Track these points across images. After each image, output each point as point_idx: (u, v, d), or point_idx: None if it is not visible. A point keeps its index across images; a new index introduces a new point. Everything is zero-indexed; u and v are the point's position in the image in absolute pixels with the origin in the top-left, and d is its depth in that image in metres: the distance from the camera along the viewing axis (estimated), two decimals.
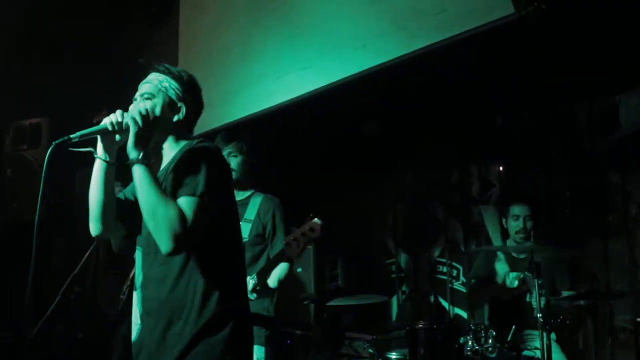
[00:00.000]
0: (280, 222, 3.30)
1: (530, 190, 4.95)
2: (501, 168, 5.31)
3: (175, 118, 2.21)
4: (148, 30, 6.15)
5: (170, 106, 2.21)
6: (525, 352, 3.42)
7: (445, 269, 5.60)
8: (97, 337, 4.86)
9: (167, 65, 2.29)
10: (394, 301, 5.96)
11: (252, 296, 2.95)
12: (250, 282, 2.96)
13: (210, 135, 4.79)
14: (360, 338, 4.61)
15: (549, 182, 4.93)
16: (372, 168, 5.83)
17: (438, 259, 5.71)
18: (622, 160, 4.48)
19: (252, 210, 3.29)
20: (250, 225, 3.24)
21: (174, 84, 2.22)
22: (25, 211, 5.72)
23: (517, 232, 4.07)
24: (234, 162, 3.29)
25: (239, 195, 3.31)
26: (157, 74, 2.25)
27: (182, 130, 2.25)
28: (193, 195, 1.97)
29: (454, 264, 5.57)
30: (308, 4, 4.28)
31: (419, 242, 5.84)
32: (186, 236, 1.93)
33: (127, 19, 6.03)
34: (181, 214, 1.93)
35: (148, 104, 2.17)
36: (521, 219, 4.06)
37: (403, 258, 5.96)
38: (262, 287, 3.00)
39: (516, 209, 4.10)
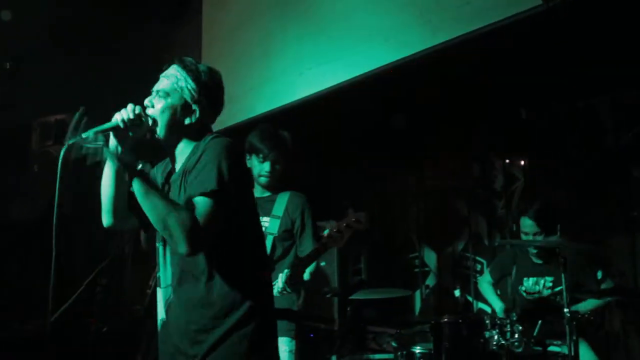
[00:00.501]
0: (309, 218, 3.30)
1: (554, 183, 4.89)
2: (525, 162, 5.25)
3: (187, 121, 2.16)
4: (171, 28, 6.19)
5: (183, 108, 2.15)
6: (552, 348, 3.38)
7: (469, 263, 5.57)
8: (122, 331, 4.93)
9: (190, 61, 2.22)
10: (417, 296, 5.94)
11: (277, 290, 2.96)
12: (280, 277, 2.98)
13: (237, 129, 4.85)
14: (384, 332, 4.62)
15: (573, 176, 4.86)
16: (395, 162, 5.82)
17: (462, 253, 5.67)
18: None
19: (280, 206, 3.28)
20: (278, 221, 3.24)
21: (190, 84, 2.15)
22: (50, 207, 5.82)
23: (525, 234, 3.97)
24: (269, 167, 3.26)
25: (266, 192, 3.32)
26: (177, 69, 2.18)
27: (196, 131, 2.18)
28: (205, 193, 1.94)
29: (477, 258, 5.54)
30: None
31: (442, 236, 5.82)
32: (201, 236, 1.92)
33: (151, 17, 6.07)
34: (192, 216, 1.91)
35: (160, 106, 2.13)
36: (530, 237, 3.94)
37: (426, 252, 5.94)
38: (294, 281, 3.01)
39: (526, 224, 3.90)
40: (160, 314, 2.27)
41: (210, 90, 2.21)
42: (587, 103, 4.72)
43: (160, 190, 2.06)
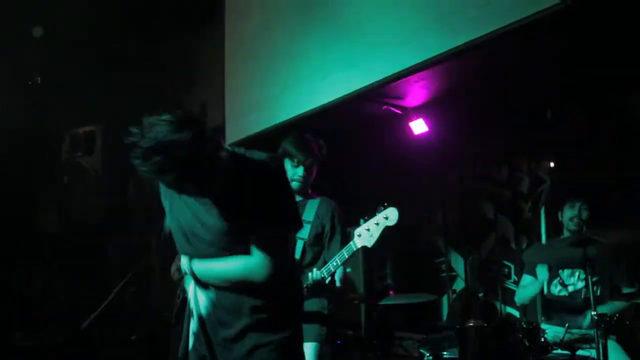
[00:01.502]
0: (339, 223, 3.32)
1: (582, 185, 4.82)
2: (552, 163, 5.18)
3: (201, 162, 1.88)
4: (195, 38, 6.28)
5: (187, 166, 1.84)
6: (580, 352, 3.33)
7: (496, 267, 5.51)
8: (150, 339, 4.99)
9: (139, 145, 1.83)
10: (445, 301, 5.90)
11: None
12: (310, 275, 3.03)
13: (261, 137, 4.88)
14: (411, 337, 4.59)
15: (601, 176, 4.79)
16: (421, 166, 5.79)
17: (489, 257, 5.62)
18: None
19: (311, 211, 3.30)
20: (309, 226, 3.26)
21: (163, 154, 1.80)
22: (81, 216, 5.93)
23: (571, 219, 4.01)
24: (302, 172, 3.28)
25: (297, 197, 3.34)
26: (142, 162, 1.83)
27: (212, 159, 1.93)
28: (268, 232, 1.99)
29: (504, 262, 5.48)
30: (352, 3, 4.28)
31: (469, 240, 5.77)
32: (277, 273, 1.99)
33: (174, 27, 6.17)
34: (260, 262, 1.99)
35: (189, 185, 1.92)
36: (576, 208, 4.00)
37: (453, 257, 5.89)
38: (324, 285, 3.05)
39: (572, 201, 4.09)
40: (193, 327, 2.27)
41: (179, 129, 1.83)
42: (614, 101, 4.65)
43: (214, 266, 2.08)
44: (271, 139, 3.48)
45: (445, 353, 3.66)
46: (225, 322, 2.11)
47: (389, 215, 2.94)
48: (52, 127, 6.07)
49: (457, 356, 3.56)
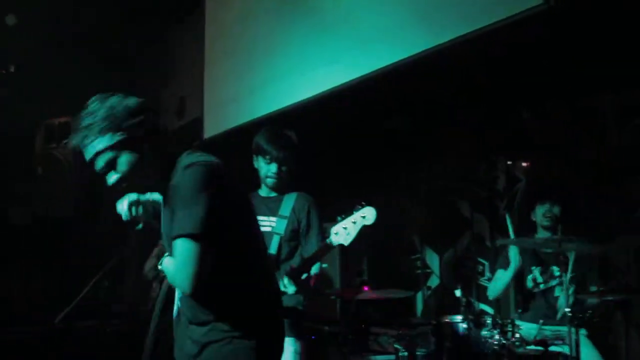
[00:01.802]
0: (316, 219, 3.31)
1: (556, 185, 4.89)
2: (527, 162, 5.25)
3: (143, 163, 2.00)
4: (174, 28, 6.22)
5: (128, 156, 1.97)
6: (553, 348, 3.39)
7: (471, 265, 5.57)
8: (125, 332, 4.95)
9: (85, 119, 1.97)
10: (419, 297, 5.94)
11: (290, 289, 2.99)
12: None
13: (239, 131, 4.85)
14: (386, 333, 4.62)
15: (576, 176, 4.87)
16: (397, 163, 5.82)
17: (464, 255, 5.67)
18: None
19: (287, 206, 3.29)
20: (285, 221, 3.25)
21: (106, 135, 1.94)
22: (55, 208, 5.84)
23: (544, 216, 4.05)
24: (275, 168, 3.26)
25: (272, 193, 3.33)
26: (81, 138, 1.98)
27: (162, 159, 2.05)
28: (183, 235, 1.85)
29: (479, 259, 5.53)
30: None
31: (444, 237, 5.81)
32: (192, 287, 1.88)
33: (154, 18, 6.10)
34: (173, 272, 1.92)
35: (116, 177, 2.00)
36: (548, 204, 4.05)
37: (428, 253, 5.94)
38: (297, 283, 3.03)
39: (544, 201, 4.13)
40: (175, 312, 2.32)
41: (128, 115, 1.98)
42: (591, 102, 4.73)
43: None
44: (251, 133, 3.44)
45: (419, 349, 3.69)
46: (189, 318, 2.15)
47: (367, 215, 2.94)
48: (25, 118, 5.96)
49: (430, 352, 3.60)
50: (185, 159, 2.00)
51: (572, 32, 3.30)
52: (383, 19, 3.74)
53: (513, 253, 4.08)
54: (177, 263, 1.87)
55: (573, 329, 3.12)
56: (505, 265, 4.23)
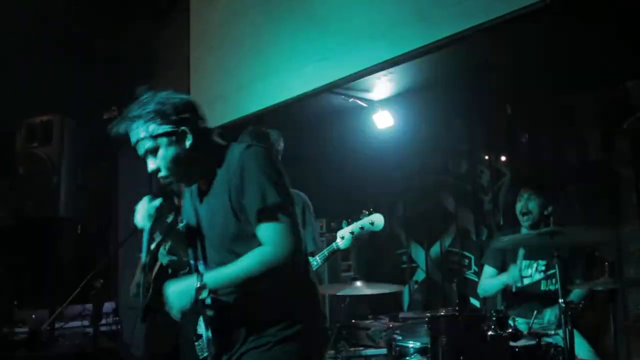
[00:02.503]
0: (311, 217, 3.32)
1: (541, 180, 4.97)
2: (511, 157, 5.33)
3: (188, 144, 2.07)
4: (158, 26, 6.14)
5: (176, 143, 2.06)
6: (545, 339, 3.44)
7: (456, 259, 5.64)
8: (117, 333, 4.90)
9: (134, 109, 2.07)
10: (406, 291, 6.00)
11: None
12: None
13: (228, 128, 4.81)
14: (375, 328, 4.65)
15: (560, 171, 4.96)
16: (383, 158, 5.86)
17: (449, 249, 5.74)
18: (633, 149, 4.50)
19: None
20: None
21: (156, 121, 2.04)
22: (37, 208, 5.74)
23: (521, 214, 4.07)
24: None
25: None
26: (133, 124, 2.06)
27: (205, 146, 2.11)
28: (272, 219, 1.94)
29: (465, 253, 5.61)
30: None
31: (430, 232, 5.87)
32: (288, 258, 1.96)
33: (137, 14, 6.02)
34: (269, 251, 1.96)
35: (162, 162, 2.07)
36: (524, 199, 4.06)
37: (414, 248, 5.99)
38: None
39: (521, 192, 4.13)
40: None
41: (174, 107, 2.07)
42: (577, 98, 4.81)
43: (228, 270, 2.02)
44: (239, 131, 3.44)
45: (411, 342, 3.71)
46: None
47: (375, 221, 2.97)
48: (6, 116, 5.84)
49: (422, 346, 3.62)
50: (237, 145, 2.10)
51: (560, 30, 3.35)
52: (375, 15, 3.73)
53: (514, 268, 4.09)
54: (269, 236, 1.95)
55: (568, 320, 3.17)
56: (493, 261, 4.26)
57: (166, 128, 2.03)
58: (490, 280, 4.26)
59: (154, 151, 2.06)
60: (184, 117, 2.06)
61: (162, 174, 2.09)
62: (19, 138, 5.80)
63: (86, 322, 4.86)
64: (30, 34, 5.47)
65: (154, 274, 4.05)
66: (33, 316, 4.99)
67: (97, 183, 6.14)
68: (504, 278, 4.07)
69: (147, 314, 3.99)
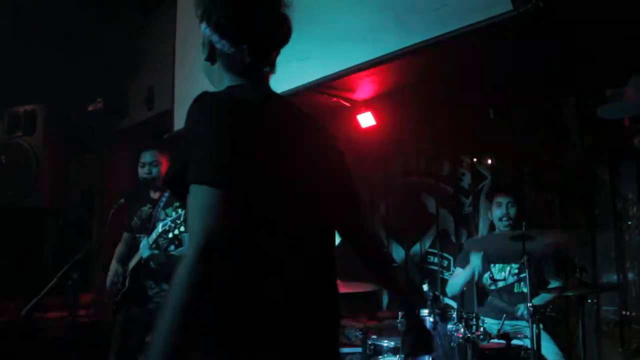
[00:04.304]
0: None
1: (519, 182, 5.03)
2: (492, 161, 5.39)
3: (222, 63, 1.71)
4: (145, 19, 6.15)
5: (212, 51, 1.71)
6: (515, 341, 3.50)
7: (436, 260, 5.69)
8: (92, 324, 4.92)
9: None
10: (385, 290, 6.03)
11: None
12: None
13: None
14: (352, 326, 4.68)
15: (539, 175, 5.02)
16: (365, 159, 5.89)
17: (429, 250, 5.79)
18: (610, 155, 4.57)
19: None
20: None
21: (211, 24, 1.69)
22: (19, 197, 5.75)
23: (500, 219, 4.14)
24: None
25: None
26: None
27: (234, 74, 1.71)
28: (199, 182, 1.41)
29: (444, 254, 5.66)
30: None
31: (410, 232, 5.92)
32: (207, 245, 1.37)
33: (123, 7, 6.03)
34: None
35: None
36: (503, 206, 4.13)
37: (394, 248, 6.03)
38: None
39: (499, 198, 4.18)
40: None
41: (222, 9, 1.68)
42: (555, 103, 4.87)
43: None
44: None
45: (385, 341, 3.76)
46: None
47: None
48: None
49: (395, 344, 3.67)
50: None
51: (538, 36, 3.41)
52: (357, 18, 3.78)
53: (474, 257, 4.19)
54: (190, 213, 1.42)
55: (534, 324, 3.23)
56: (463, 264, 4.34)
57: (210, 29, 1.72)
58: (455, 278, 4.35)
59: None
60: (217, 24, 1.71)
61: None
62: (1, 127, 5.82)
63: (65, 313, 4.89)
64: (16, 24, 5.47)
65: (130, 267, 4.10)
66: (11, 306, 5.01)
67: (80, 174, 6.15)
68: (468, 269, 4.16)
69: (120, 307, 4.06)
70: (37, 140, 5.71)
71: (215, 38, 1.68)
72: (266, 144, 1.55)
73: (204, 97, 1.54)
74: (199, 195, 1.40)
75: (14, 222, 5.74)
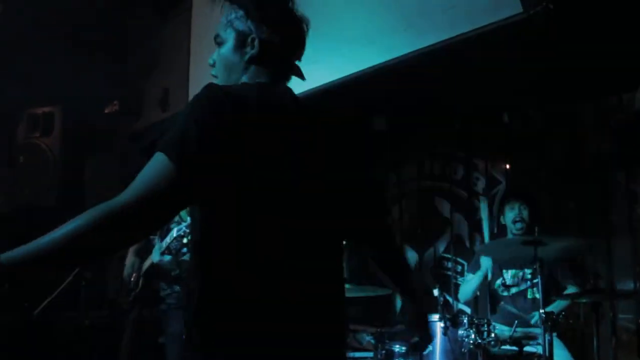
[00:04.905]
0: None
1: (534, 187, 4.98)
2: (507, 165, 5.34)
3: (248, 55, 1.68)
4: (161, 22, 6.19)
5: (239, 42, 1.69)
6: (527, 348, 3.46)
7: (450, 265, 5.65)
8: (104, 325, 4.95)
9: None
10: (398, 295, 6.01)
11: None
12: None
13: None
14: (364, 330, 4.67)
15: (554, 180, 4.96)
16: (378, 163, 5.87)
17: (443, 255, 5.75)
18: (627, 160, 4.50)
19: None
20: None
21: (240, 11, 1.71)
22: (36, 197, 5.82)
23: (513, 222, 4.09)
24: None
25: None
26: (227, 7, 1.75)
27: (261, 71, 1.69)
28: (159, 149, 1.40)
29: (458, 259, 5.61)
30: (318, 1, 4.28)
31: (424, 237, 5.88)
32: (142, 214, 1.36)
33: (140, 10, 6.08)
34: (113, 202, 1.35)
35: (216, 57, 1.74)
36: (516, 208, 4.09)
37: (408, 252, 6.00)
38: None
39: (512, 201, 4.16)
40: None
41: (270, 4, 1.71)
42: (570, 108, 4.82)
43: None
44: None
45: (397, 345, 3.74)
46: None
47: None
48: (7, 106, 5.91)
49: (407, 349, 3.64)
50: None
51: (550, 39, 3.37)
52: (366, 22, 3.77)
53: (484, 260, 4.15)
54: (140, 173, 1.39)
55: (547, 330, 3.18)
56: (474, 269, 4.31)
57: (244, 21, 1.73)
58: (467, 283, 4.32)
59: (220, 42, 1.79)
60: (265, 21, 1.72)
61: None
62: (20, 128, 5.90)
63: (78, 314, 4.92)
64: (34, 26, 5.53)
65: (143, 269, 4.12)
66: (25, 304, 5.06)
67: (97, 175, 6.22)
68: (478, 274, 4.12)
69: (133, 308, 4.08)
70: (55, 141, 5.79)
71: (249, 24, 1.69)
72: (261, 140, 1.50)
73: (207, 85, 1.53)
74: (153, 159, 1.39)
75: (30, 221, 5.79)
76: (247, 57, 1.68)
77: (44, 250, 1.31)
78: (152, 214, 1.36)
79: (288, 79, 1.78)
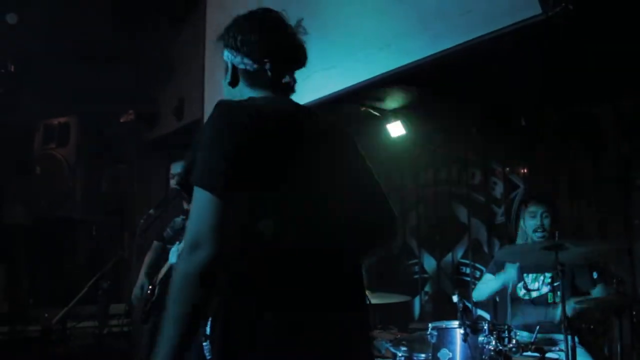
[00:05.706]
0: None
1: (553, 191, 4.91)
2: (525, 170, 5.28)
3: (244, 84, 1.77)
4: (175, 30, 6.22)
5: (233, 74, 1.79)
6: (549, 354, 3.39)
7: (468, 270, 5.59)
8: (122, 334, 4.95)
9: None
10: (417, 302, 5.96)
11: None
12: None
13: None
14: (383, 337, 4.62)
15: (574, 184, 4.89)
16: (395, 168, 5.84)
17: (461, 260, 5.69)
18: None
19: None
20: None
21: (230, 49, 1.80)
22: (52, 207, 5.86)
23: (534, 231, 4.02)
24: None
25: None
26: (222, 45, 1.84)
27: (256, 88, 1.76)
28: (197, 184, 1.43)
29: (477, 265, 5.55)
30: (333, 4, 4.27)
31: (442, 243, 5.84)
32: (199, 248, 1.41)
33: (153, 19, 6.11)
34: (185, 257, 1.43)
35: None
36: (538, 216, 4.00)
37: (426, 258, 5.95)
38: None
39: (532, 208, 4.03)
40: None
41: (248, 26, 1.83)
42: (590, 110, 4.75)
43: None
44: None
45: (417, 353, 3.69)
46: None
47: None
48: (24, 117, 5.97)
49: (426, 356, 3.60)
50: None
51: (569, 41, 3.33)
52: (382, 26, 3.74)
53: (510, 268, 4.06)
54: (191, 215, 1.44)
55: (569, 336, 3.12)
56: (494, 271, 4.23)
57: (231, 51, 1.84)
58: (485, 284, 4.23)
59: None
60: (244, 42, 1.82)
61: None
62: (37, 138, 5.95)
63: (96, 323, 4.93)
64: (48, 36, 5.58)
65: (160, 276, 4.12)
66: (46, 315, 5.09)
67: (112, 185, 6.24)
68: (501, 278, 4.04)
69: (149, 315, 4.08)
70: (71, 151, 5.84)
71: (238, 59, 1.77)
72: (282, 151, 1.55)
73: (219, 103, 1.57)
74: (196, 196, 1.43)
75: (47, 231, 5.83)
76: (243, 85, 1.77)
77: (180, 345, 1.44)
78: (213, 241, 1.40)
79: (288, 95, 1.85)
